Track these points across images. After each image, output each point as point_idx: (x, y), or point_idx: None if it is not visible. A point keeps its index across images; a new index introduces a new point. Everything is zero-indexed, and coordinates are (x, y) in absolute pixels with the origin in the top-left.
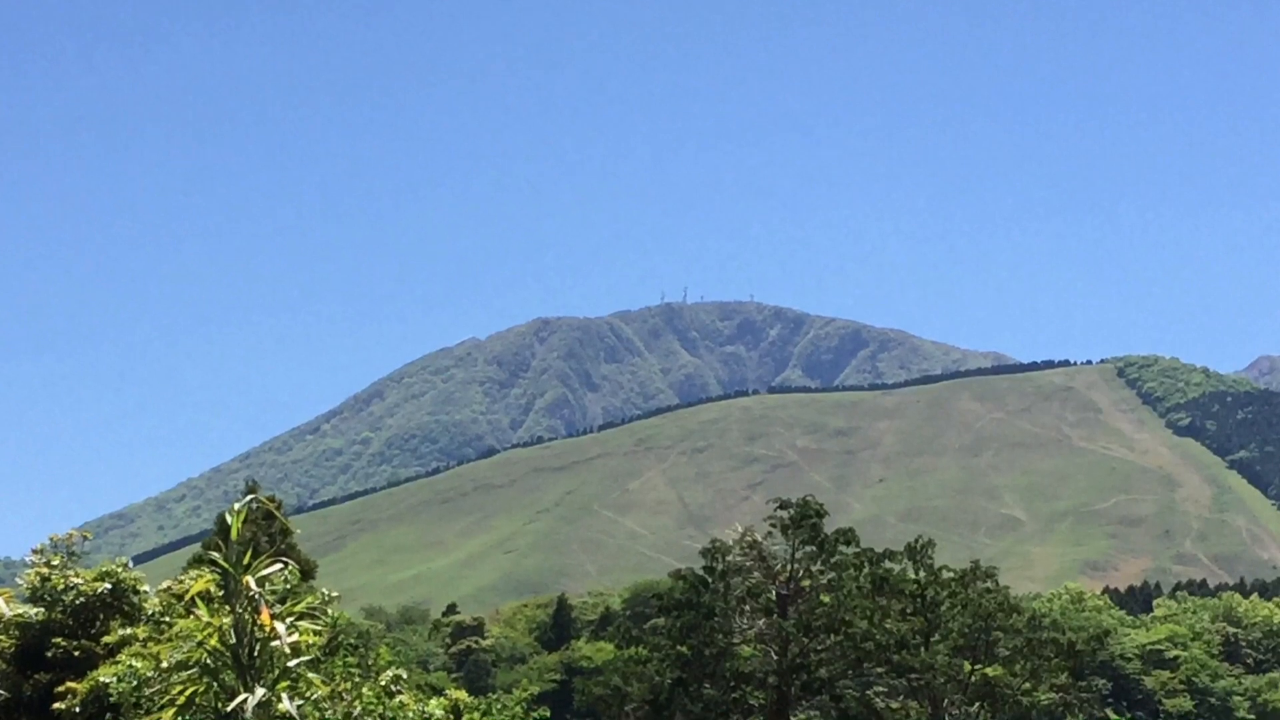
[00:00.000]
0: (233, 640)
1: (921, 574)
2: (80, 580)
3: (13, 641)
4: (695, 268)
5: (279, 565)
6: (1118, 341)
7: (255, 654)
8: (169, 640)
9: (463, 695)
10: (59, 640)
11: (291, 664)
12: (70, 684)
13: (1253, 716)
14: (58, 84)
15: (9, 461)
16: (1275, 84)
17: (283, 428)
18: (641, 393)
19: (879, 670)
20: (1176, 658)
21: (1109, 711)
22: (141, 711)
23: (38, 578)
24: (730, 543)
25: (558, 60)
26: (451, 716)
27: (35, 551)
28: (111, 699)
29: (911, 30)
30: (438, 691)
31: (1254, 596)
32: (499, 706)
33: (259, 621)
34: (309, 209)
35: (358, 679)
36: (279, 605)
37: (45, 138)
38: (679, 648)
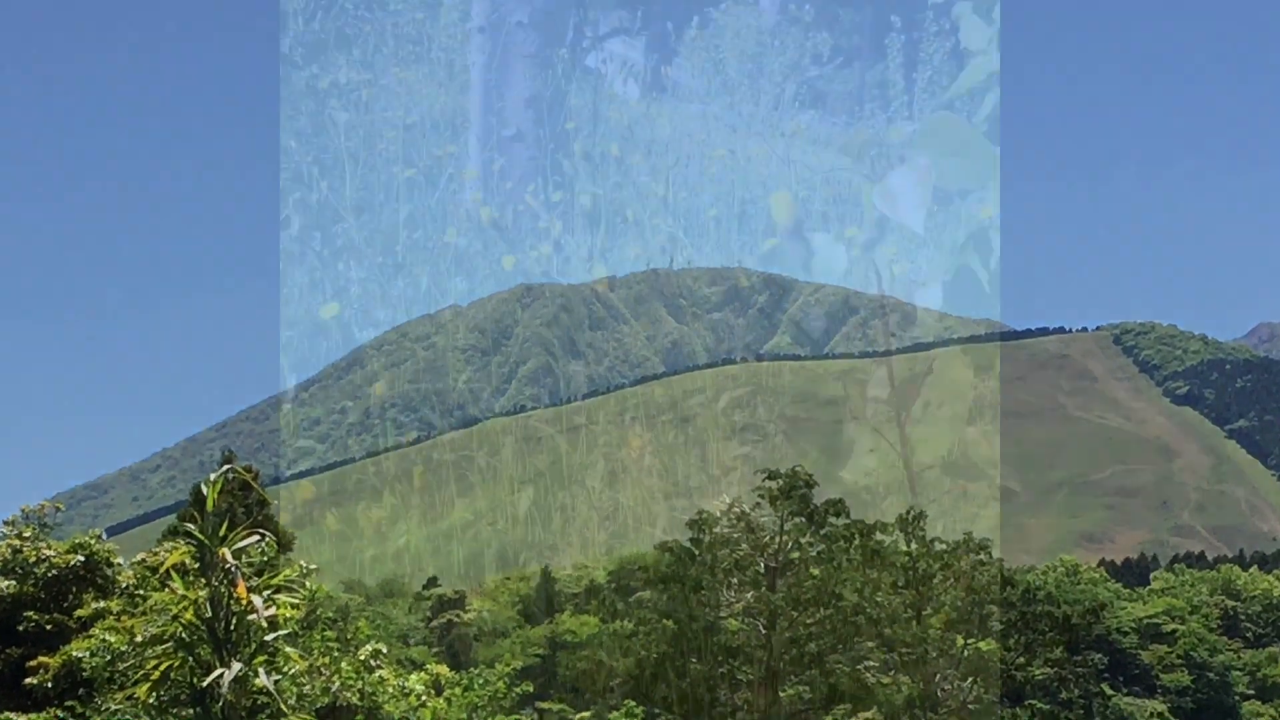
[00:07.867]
0: (208, 614)
1: (913, 546)
2: (52, 552)
3: None
4: (682, 232)
5: (256, 537)
6: (1114, 308)
7: (231, 628)
8: (143, 614)
9: (444, 670)
10: (31, 614)
11: (269, 638)
12: (43, 658)
13: (1252, 691)
14: (24, 43)
15: None
16: (1275, 45)
17: (259, 396)
18: (627, 360)
19: (870, 644)
20: (1174, 631)
21: (1105, 686)
22: (115, 686)
23: (9, 550)
24: (717, 514)
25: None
26: (432, 691)
27: (6, 523)
28: (84, 673)
29: None
30: (418, 666)
31: (1253, 569)
32: (481, 681)
33: (235, 595)
34: (284, 172)
35: (336, 653)
36: (256, 578)
37: (7, 98)
38: (665, 621)
